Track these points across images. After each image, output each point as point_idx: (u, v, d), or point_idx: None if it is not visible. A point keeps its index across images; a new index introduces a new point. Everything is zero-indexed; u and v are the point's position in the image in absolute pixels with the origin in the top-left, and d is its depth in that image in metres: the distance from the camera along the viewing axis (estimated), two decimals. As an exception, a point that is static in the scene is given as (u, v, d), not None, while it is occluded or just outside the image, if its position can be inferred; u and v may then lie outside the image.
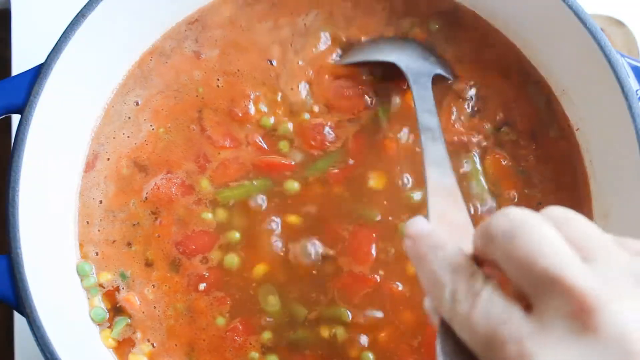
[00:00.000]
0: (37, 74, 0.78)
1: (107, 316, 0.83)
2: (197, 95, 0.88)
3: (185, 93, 0.88)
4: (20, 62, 1.01)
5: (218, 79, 0.89)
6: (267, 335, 0.81)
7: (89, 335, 0.83)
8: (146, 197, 0.86)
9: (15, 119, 0.97)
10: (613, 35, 1.00)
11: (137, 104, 0.88)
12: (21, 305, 0.75)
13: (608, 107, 0.79)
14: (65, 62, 0.79)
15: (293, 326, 0.82)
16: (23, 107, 0.77)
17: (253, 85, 0.88)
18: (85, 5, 0.79)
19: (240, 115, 0.87)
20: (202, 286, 0.83)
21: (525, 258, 0.48)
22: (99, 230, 0.85)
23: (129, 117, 0.88)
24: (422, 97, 0.72)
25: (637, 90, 0.78)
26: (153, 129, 0.87)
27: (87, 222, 0.85)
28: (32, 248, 0.77)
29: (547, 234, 0.48)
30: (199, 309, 0.83)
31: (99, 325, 0.83)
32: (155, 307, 0.83)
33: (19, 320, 0.95)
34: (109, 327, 0.83)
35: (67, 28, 0.79)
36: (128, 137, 0.87)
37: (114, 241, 0.85)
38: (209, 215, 0.85)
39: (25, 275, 0.75)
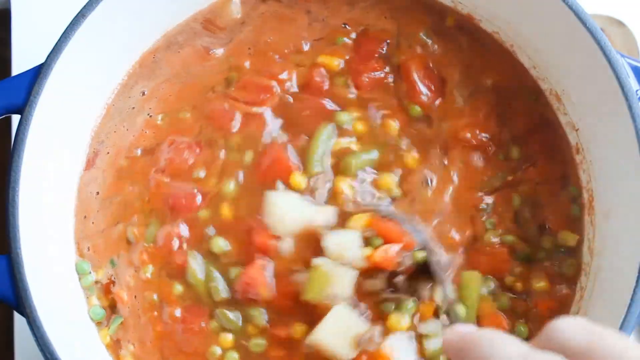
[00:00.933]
0: (37, 74, 0.78)
1: (105, 314, 0.84)
2: (229, 67, 0.89)
3: (198, 77, 0.89)
4: (20, 62, 1.01)
5: (249, 48, 0.90)
6: (215, 323, 0.83)
7: (89, 335, 0.83)
8: (160, 170, 0.87)
9: (15, 119, 0.97)
10: (613, 35, 1.00)
11: (143, 94, 0.89)
12: (21, 305, 0.75)
13: (608, 107, 0.79)
14: (65, 62, 0.79)
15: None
16: (23, 107, 0.77)
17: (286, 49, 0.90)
18: (85, 5, 0.79)
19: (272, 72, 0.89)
20: (175, 244, 0.85)
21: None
22: (93, 223, 0.86)
23: (133, 108, 0.89)
24: (445, 291, 0.82)
25: (637, 90, 0.78)
26: (151, 117, 0.88)
27: (85, 217, 0.86)
28: (32, 248, 0.77)
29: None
30: (166, 293, 0.84)
31: (97, 324, 0.83)
32: (135, 297, 0.84)
33: (19, 320, 0.95)
34: (107, 325, 0.84)
35: (67, 28, 0.79)
36: (127, 129, 0.88)
37: (104, 230, 0.85)
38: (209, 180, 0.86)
39: (25, 275, 0.75)
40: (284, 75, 0.89)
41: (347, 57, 0.89)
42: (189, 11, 0.90)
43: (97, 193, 0.86)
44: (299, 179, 0.85)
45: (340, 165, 0.86)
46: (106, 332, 0.83)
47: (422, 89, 0.88)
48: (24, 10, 1.03)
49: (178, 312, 0.84)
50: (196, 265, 0.84)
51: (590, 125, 0.84)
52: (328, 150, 0.86)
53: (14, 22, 1.02)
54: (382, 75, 0.89)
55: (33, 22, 1.02)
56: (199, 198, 0.86)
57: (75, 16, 0.79)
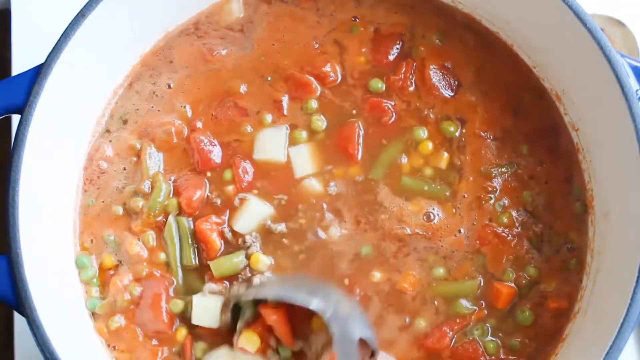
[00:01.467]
0: (37, 74, 0.78)
1: (101, 304, 0.84)
2: (263, 59, 0.90)
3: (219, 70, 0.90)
4: (20, 62, 1.01)
5: (273, 44, 0.91)
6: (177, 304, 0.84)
7: (88, 334, 0.83)
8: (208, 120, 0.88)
9: (16, 119, 0.97)
10: (613, 35, 1.00)
11: (170, 86, 0.89)
12: (21, 305, 0.75)
13: (608, 107, 0.79)
14: (65, 62, 0.79)
15: None
16: (23, 107, 0.77)
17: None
18: (85, 5, 0.79)
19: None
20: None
21: None
22: (103, 201, 0.86)
23: (155, 94, 0.89)
24: None
25: (637, 90, 0.78)
26: (183, 106, 0.89)
27: (87, 206, 0.86)
28: (32, 248, 0.77)
29: None
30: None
31: (94, 315, 0.84)
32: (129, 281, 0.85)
33: (19, 320, 0.95)
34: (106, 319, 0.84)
35: (67, 28, 0.79)
36: (159, 110, 0.89)
37: (105, 208, 0.86)
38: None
39: (25, 275, 0.75)
40: (327, 68, 0.89)
41: (366, 50, 0.90)
42: (190, 11, 0.90)
43: (98, 177, 0.87)
44: (355, 170, 0.87)
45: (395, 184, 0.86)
46: (102, 325, 0.84)
47: (439, 86, 0.89)
48: (24, 10, 1.03)
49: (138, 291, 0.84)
50: (174, 225, 0.85)
51: (590, 125, 0.84)
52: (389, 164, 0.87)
53: (14, 22, 1.02)
54: (402, 77, 0.89)
55: (33, 22, 1.02)
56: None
57: (75, 16, 0.79)
